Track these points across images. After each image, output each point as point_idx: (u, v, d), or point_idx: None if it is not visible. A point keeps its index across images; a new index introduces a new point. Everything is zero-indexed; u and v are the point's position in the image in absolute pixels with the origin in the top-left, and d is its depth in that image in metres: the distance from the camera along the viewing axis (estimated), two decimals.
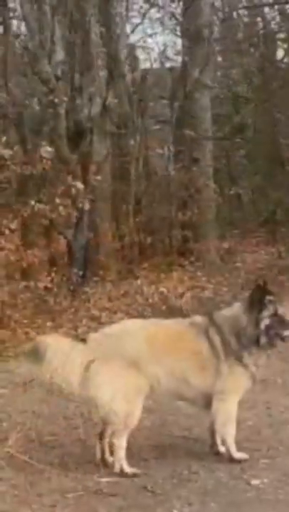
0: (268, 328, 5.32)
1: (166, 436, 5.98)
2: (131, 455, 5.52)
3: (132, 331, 5.32)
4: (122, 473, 5.17)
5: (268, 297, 5.35)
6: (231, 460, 5.37)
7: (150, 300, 11.26)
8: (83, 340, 5.40)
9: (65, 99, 11.10)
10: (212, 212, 14.17)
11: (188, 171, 13.64)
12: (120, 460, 5.19)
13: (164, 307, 11.08)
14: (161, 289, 11.74)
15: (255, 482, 5.06)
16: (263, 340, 5.31)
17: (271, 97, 17.90)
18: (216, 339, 5.33)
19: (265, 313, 5.32)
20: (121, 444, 5.19)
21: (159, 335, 5.33)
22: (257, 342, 5.32)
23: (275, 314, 5.34)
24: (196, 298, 11.77)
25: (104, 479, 5.15)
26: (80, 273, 10.73)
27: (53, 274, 10.58)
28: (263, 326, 5.30)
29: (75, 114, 11.57)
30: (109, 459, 5.34)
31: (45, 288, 10.50)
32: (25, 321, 10.00)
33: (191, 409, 6.28)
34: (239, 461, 5.35)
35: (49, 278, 10.50)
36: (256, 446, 5.68)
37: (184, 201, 13.75)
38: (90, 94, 11.54)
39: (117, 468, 5.19)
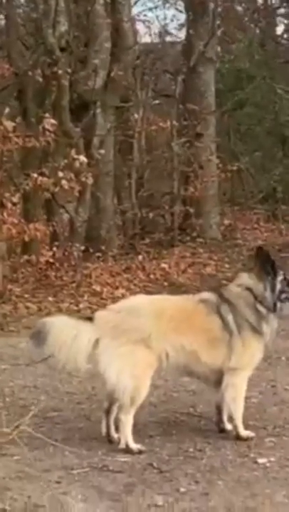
0: (280, 292, 5.28)
1: (171, 413, 5.93)
2: (136, 431, 5.47)
3: (141, 307, 5.24)
4: (127, 450, 5.12)
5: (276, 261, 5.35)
6: (238, 438, 5.33)
7: (152, 276, 11.24)
8: (90, 319, 5.32)
9: (69, 70, 10.95)
10: (214, 188, 14.07)
11: (191, 145, 13.52)
12: (126, 436, 5.15)
13: (165, 283, 11.05)
14: (163, 265, 11.71)
15: (262, 460, 5.01)
16: (279, 305, 5.27)
17: (273, 73, 17.79)
18: (229, 315, 5.27)
19: (279, 277, 5.28)
20: (128, 420, 5.13)
21: (169, 311, 5.25)
22: (274, 308, 5.27)
23: (285, 278, 5.30)
24: (198, 274, 11.73)
25: (109, 456, 5.11)
26: (82, 248, 10.64)
27: (54, 249, 10.53)
28: (277, 291, 5.25)
29: (78, 87, 11.43)
30: (115, 435, 5.29)
31: (47, 262, 10.45)
32: (26, 296, 9.95)
33: (195, 385, 6.30)
34: (245, 439, 5.31)
35: (50, 253, 10.44)
36: (262, 424, 5.64)
37: (186, 177, 13.66)
38: (95, 66, 11.38)
39: (122, 445, 5.14)
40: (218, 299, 5.34)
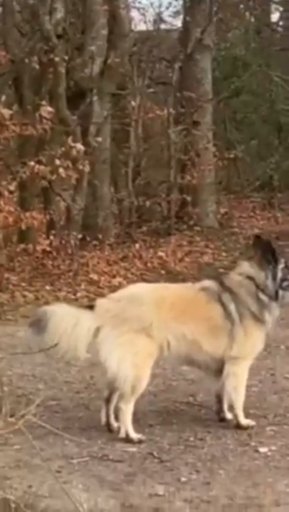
0: (282, 280, 5.26)
1: (171, 402, 5.90)
2: (135, 421, 5.45)
3: (141, 296, 5.21)
4: (127, 439, 5.10)
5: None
6: (238, 426, 5.31)
7: (149, 264, 11.20)
8: (91, 307, 5.28)
9: (66, 58, 10.86)
10: (211, 177, 14.01)
11: (188, 133, 13.45)
12: (126, 425, 5.12)
13: (162, 272, 11.02)
14: (160, 253, 11.67)
15: (263, 449, 4.99)
16: (281, 293, 5.24)
17: (269, 61, 17.71)
18: (231, 304, 5.24)
19: (281, 265, 5.26)
20: (128, 409, 5.11)
21: (170, 299, 5.22)
22: (276, 296, 5.25)
23: (286, 266, 5.29)
24: (195, 263, 11.69)
25: (109, 445, 5.09)
26: (79, 236, 10.58)
27: (51, 237, 10.47)
28: (278, 279, 5.23)
29: (75, 74, 11.35)
30: (115, 424, 5.27)
31: (44, 251, 10.40)
32: (23, 284, 9.90)
33: (194, 374, 6.27)
34: (246, 428, 5.29)
35: (47, 241, 10.38)
36: (262, 413, 5.62)
37: (183, 165, 13.59)
38: (91, 53, 11.29)
39: (122, 434, 5.12)
40: (219, 287, 5.31)
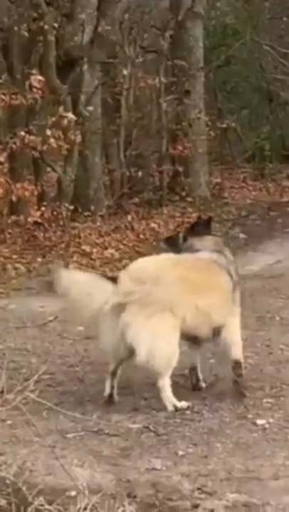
0: None
1: None
2: (131, 393, 5.41)
3: (165, 276, 5.15)
4: (175, 410, 5.12)
5: None
6: (239, 375, 5.36)
7: (141, 236, 11.11)
8: (113, 279, 5.21)
9: (55, 25, 10.65)
10: (203, 147, 13.85)
11: (179, 103, 13.28)
12: (170, 398, 5.15)
13: (155, 243, 10.91)
14: (152, 224, 11.59)
15: (260, 422, 4.93)
16: None
17: (258, 30, 17.51)
18: (234, 273, 5.44)
19: None
20: (166, 383, 5.17)
21: (189, 276, 5.25)
22: None
23: None
24: None
25: (104, 419, 5.02)
26: (70, 208, 10.46)
27: (42, 209, 10.33)
28: None
29: (65, 42, 11.15)
30: (116, 397, 5.30)
31: (35, 223, 10.28)
32: (14, 257, 9.80)
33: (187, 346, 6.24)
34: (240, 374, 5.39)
35: (38, 213, 10.24)
36: (259, 384, 5.56)
37: (175, 135, 13.43)
38: (81, 21, 11.08)
39: (169, 407, 5.13)
40: (224, 258, 5.44)
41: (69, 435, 4.82)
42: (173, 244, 5.66)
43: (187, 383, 5.65)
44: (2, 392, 5.49)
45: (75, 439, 4.78)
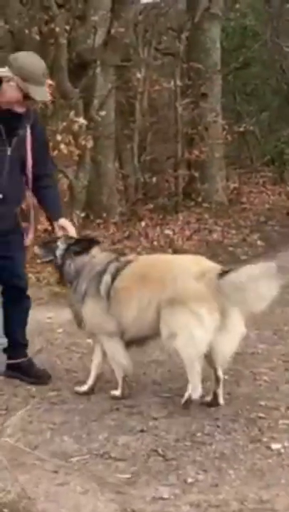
0: None
1: (176, 393, 5.51)
2: (138, 412, 5.13)
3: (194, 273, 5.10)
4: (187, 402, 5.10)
5: None
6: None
7: (155, 243, 10.85)
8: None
9: (67, 28, 10.43)
10: (220, 151, 13.58)
11: (196, 106, 13.02)
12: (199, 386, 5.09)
13: (169, 250, 10.65)
14: (167, 231, 11.32)
15: (275, 446, 4.63)
16: None
17: (279, 31, 17.31)
18: None
19: None
20: (198, 370, 5.09)
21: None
22: None
23: None
24: (204, 241, 11.33)
25: (110, 441, 4.75)
26: (82, 215, 10.21)
27: None
28: None
29: (77, 45, 10.93)
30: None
31: (45, 231, 10.02)
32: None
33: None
34: None
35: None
36: (274, 404, 5.26)
37: (190, 139, 13.18)
38: (94, 23, 10.85)
39: (197, 394, 5.08)
40: None
41: (73, 459, 4.55)
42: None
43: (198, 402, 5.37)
44: (7, 409, 5.31)
45: (79, 463, 4.51)
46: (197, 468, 4.39)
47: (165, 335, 5.10)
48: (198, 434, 4.83)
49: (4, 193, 5.42)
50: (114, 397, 5.37)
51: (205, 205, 13.05)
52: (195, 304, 4.98)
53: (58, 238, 5.59)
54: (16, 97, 5.22)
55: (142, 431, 4.90)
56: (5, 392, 5.55)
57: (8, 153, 5.38)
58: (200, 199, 13.08)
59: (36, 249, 5.66)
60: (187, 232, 11.43)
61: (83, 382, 5.63)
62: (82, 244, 5.51)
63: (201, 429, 4.89)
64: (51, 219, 5.73)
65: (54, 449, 4.67)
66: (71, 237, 5.56)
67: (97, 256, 5.48)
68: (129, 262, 5.41)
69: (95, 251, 5.51)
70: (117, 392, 5.40)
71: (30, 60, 5.27)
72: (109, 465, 4.47)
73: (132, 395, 5.41)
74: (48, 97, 5.57)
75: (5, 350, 5.90)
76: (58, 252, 5.51)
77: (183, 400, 5.14)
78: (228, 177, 14.60)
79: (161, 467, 4.43)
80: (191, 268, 5.15)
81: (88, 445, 4.71)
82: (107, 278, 5.33)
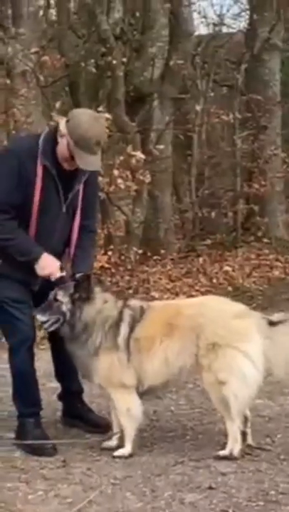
0: None
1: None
2: (206, 466, 4.74)
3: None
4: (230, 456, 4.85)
5: None
6: None
7: (214, 280, 10.54)
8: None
9: (124, 60, 10.30)
10: (280, 184, 13.25)
11: (255, 139, 12.73)
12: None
13: (229, 288, 10.31)
14: (226, 268, 11.00)
15: None
16: None
17: None
18: None
19: None
20: (239, 426, 4.90)
21: None
22: None
23: None
24: (265, 278, 10.96)
25: (177, 498, 4.36)
26: (139, 251, 9.96)
27: (109, 253, 9.88)
28: None
29: (134, 78, 10.78)
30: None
31: (101, 267, 9.79)
32: None
33: (270, 410, 5.76)
34: None
35: (105, 256, 9.78)
36: None
37: (250, 172, 12.89)
38: (151, 55, 10.70)
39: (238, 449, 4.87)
40: None
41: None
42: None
43: (269, 456, 4.95)
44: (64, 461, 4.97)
45: None
46: None
47: (209, 382, 4.87)
48: (272, 493, 4.42)
49: (52, 247, 5.05)
50: (122, 456, 4.97)
51: (265, 240, 12.72)
52: (242, 344, 4.81)
53: (54, 296, 4.96)
54: (66, 155, 4.86)
55: (210, 488, 4.51)
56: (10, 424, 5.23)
57: (63, 210, 5.06)
58: (260, 234, 12.75)
59: (40, 316, 5.01)
60: (247, 269, 11.08)
61: (144, 431, 5.27)
62: (84, 289, 4.95)
63: (275, 487, 4.48)
64: (73, 270, 5.17)
65: (116, 507, 4.31)
66: (65, 286, 4.95)
67: (108, 300, 5.06)
68: (141, 308, 5.05)
69: (100, 294, 5.05)
70: (126, 451, 5.00)
71: (86, 125, 4.76)
72: None
73: (198, 447, 5.02)
74: (97, 167, 4.98)
75: (59, 397, 5.59)
76: (65, 308, 4.93)
77: (222, 454, 4.87)
78: (288, 211, 14.22)
79: None
80: (226, 309, 4.98)
81: (153, 503, 4.33)
82: (124, 328, 4.97)
